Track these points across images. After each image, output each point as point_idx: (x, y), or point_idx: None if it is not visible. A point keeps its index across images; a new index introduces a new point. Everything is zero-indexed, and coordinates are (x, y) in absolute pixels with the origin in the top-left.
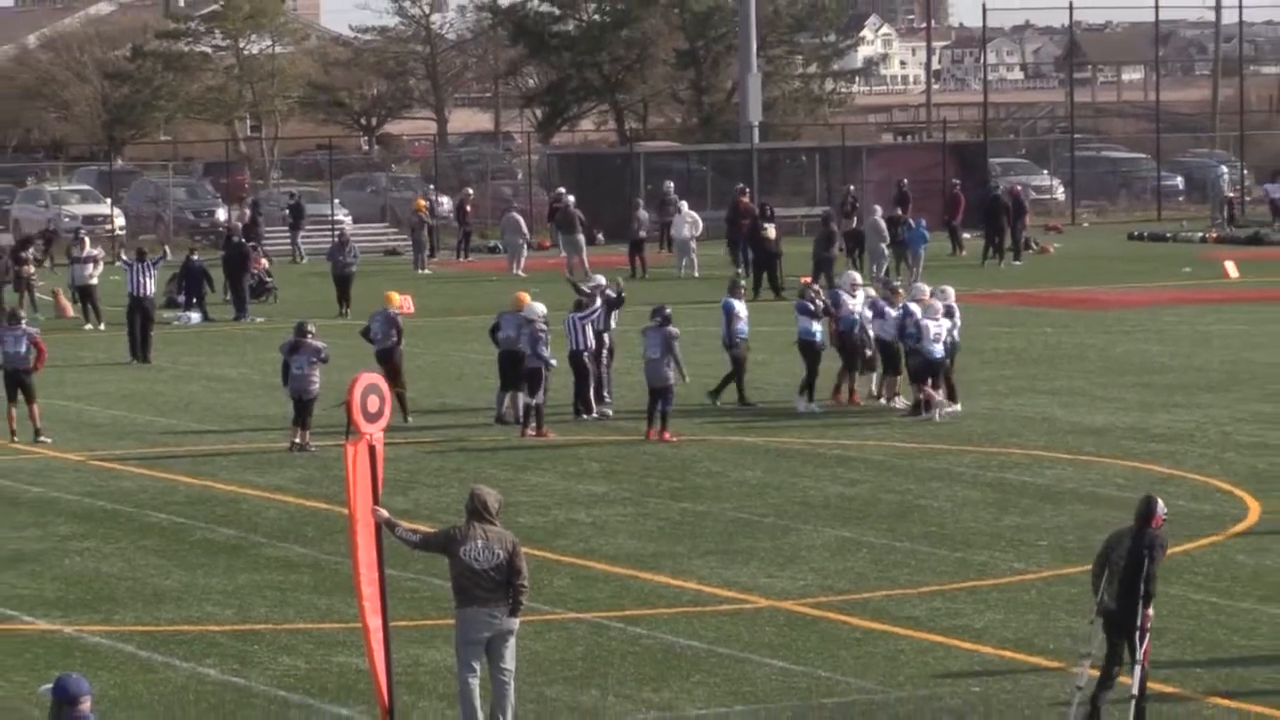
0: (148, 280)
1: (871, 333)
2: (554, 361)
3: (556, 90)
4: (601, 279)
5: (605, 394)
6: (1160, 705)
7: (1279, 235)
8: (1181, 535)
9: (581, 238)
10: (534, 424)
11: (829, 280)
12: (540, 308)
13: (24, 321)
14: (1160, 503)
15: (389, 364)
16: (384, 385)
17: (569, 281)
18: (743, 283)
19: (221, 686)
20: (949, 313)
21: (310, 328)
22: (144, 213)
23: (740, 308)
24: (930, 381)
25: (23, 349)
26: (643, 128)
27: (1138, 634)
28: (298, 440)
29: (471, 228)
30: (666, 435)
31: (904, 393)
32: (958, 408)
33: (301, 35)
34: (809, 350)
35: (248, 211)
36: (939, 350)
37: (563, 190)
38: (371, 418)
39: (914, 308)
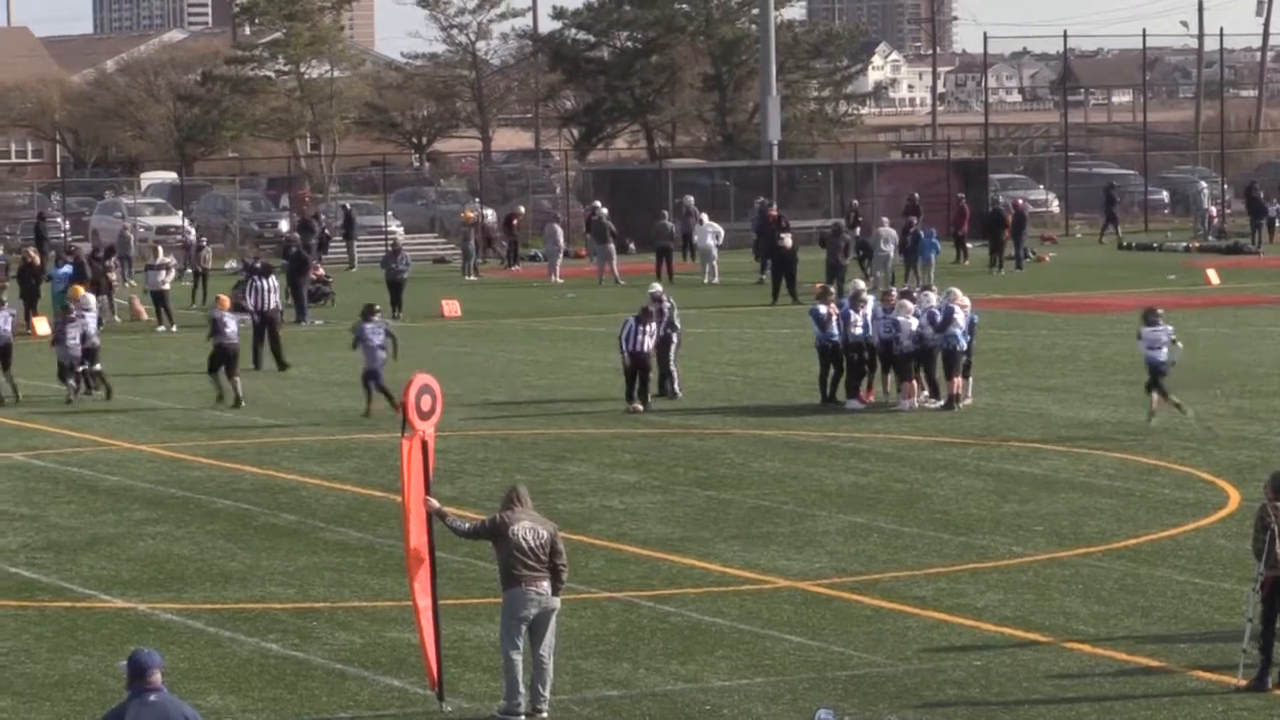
0: (271, 295)
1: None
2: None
3: (592, 111)
4: (657, 285)
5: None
6: (1148, 678)
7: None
8: (1166, 521)
9: (611, 247)
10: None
11: (839, 287)
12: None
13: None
14: None
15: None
16: (436, 386)
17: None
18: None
19: (283, 660)
20: (949, 315)
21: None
22: (213, 224)
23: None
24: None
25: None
26: (671, 146)
27: None
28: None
29: (518, 238)
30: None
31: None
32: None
33: (358, 61)
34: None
35: (317, 224)
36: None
37: (598, 204)
38: (424, 415)
39: (955, 309)
